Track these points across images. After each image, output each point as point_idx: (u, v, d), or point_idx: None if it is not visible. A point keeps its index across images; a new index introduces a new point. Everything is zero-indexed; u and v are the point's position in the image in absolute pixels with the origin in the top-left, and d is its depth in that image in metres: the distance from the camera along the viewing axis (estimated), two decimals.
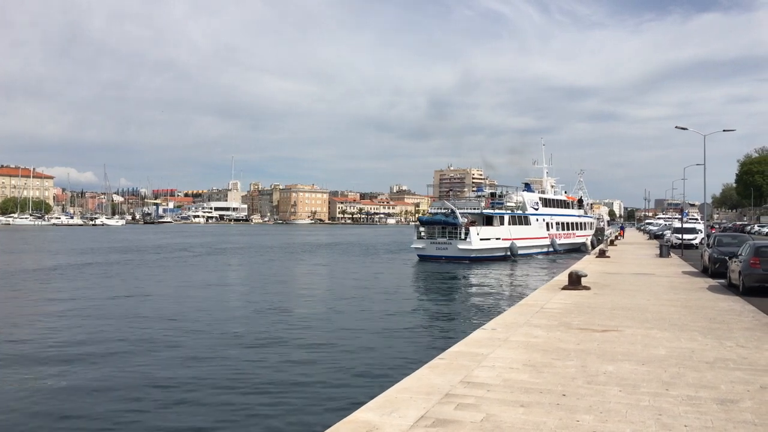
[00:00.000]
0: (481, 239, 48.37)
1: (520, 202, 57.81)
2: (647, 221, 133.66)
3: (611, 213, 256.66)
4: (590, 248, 65.01)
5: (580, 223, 70.62)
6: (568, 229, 65.71)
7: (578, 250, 64.34)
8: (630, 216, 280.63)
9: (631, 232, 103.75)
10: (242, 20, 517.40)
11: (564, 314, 13.66)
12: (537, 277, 36.00)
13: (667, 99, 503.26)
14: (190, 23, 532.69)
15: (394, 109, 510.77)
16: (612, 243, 54.17)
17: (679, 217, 69.78)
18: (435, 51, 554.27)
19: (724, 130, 44.17)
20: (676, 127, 42.04)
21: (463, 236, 47.60)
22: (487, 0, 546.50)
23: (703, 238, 40.82)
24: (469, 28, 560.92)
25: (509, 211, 54.67)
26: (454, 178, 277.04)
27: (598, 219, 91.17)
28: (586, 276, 19.45)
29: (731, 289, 19.22)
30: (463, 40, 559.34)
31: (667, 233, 56.99)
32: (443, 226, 48.81)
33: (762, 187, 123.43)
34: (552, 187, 70.73)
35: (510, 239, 51.68)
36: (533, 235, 56.95)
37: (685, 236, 44.48)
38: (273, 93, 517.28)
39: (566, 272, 21.89)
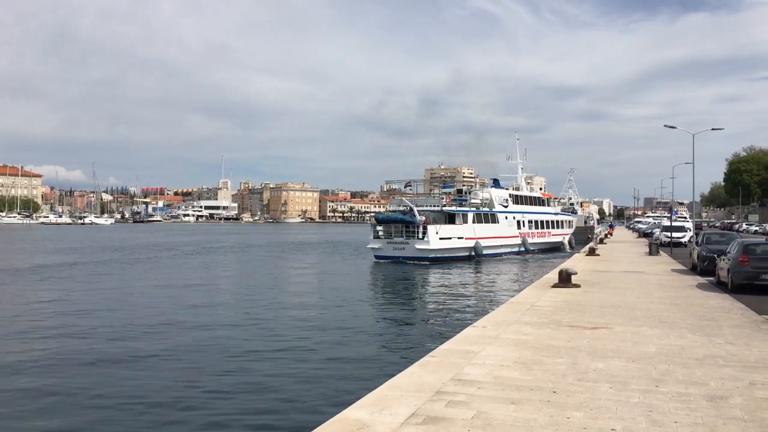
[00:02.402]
0: (440, 238, 45.44)
1: (486, 199, 54.49)
2: (636, 219, 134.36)
3: (601, 212, 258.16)
4: (569, 248, 63.28)
5: (557, 222, 66.98)
6: (542, 228, 62.02)
7: (556, 249, 62.07)
8: (619, 214, 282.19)
9: (620, 231, 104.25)
10: (233, 19, 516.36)
11: (554, 312, 13.68)
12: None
13: (656, 98, 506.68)
14: (180, 22, 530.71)
15: (385, 108, 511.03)
16: (602, 241, 54.37)
17: (668, 215, 70.05)
18: (426, 50, 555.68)
19: (712, 129, 44.40)
20: (664, 125, 42.34)
21: (420, 235, 44.65)
22: (477, 0, 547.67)
23: (691, 236, 41.09)
24: (460, 27, 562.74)
25: (474, 209, 51.67)
26: (445, 177, 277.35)
27: (587, 217, 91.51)
28: (576, 274, 19.50)
29: (720, 286, 19.32)
30: (455, 39, 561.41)
31: (656, 231, 57.29)
32: (400, 224, 45.84)
33: (750, 185, 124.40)
34: (528, 183, 67.64)
35: (474, 238, 48.63)
36: (501, 234, 53.59)
37: (674, 234, 44.71)
38: (264, 92, 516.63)
39: (556, 270, 21.96)
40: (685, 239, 46.32)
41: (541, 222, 62.17)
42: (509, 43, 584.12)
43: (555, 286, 18.57)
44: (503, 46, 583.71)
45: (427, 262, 43.39)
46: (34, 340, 16.98)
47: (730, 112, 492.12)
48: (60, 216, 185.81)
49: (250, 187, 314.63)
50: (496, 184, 60.94)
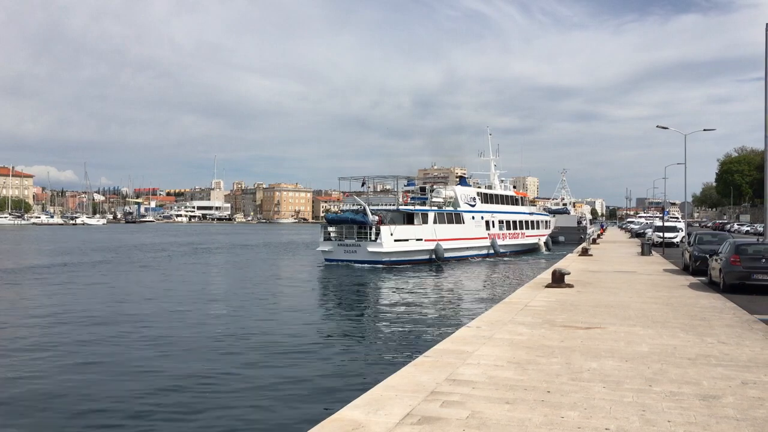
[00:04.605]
0: (395, 240, 41.54)
1: (450, 198, 50.14)
2: (629, 220, 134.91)
3: (594, 212, 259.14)
4: (545, 250, 60.61)
5: (531, 222, 62.63)
6: (514, 228, 57.89)
7: (531, 251, 59.15)
8: (612, 215, 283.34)
9: (613, 231, 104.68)
10: (225, 19, 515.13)
11: (548, 312, 13.73)
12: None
13: (647, 99, 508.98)
14: (172, 21, 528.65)
15: (378, 109, 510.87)
16: (594, 241, 54.56)
17: (661, 215, 70.33)
18: (419, 51, 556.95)
19: (704, 130, 44.81)
20: (657, 126, 42.60)
21: (373, 237, 40.98)
22: (469, 1, 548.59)
23: (684, 237, 41.29)
24: (452, 28, 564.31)
25: (435, 208, 47.35)
26: (438, 177, 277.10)
27: (580, 218, 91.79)
28: (569, 274, 19.59)
29: (712, 286, 19.45)
30: (447, 40, 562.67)
31: (649, 232, 57.52)
32: (352, 225, 42.13)
33: (741, 186, 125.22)
34: (502, 181, 63.66)
35: (435, 240, 44.51)
36: (467, 235, 49.52)
37: (667, 234, 44.94)
38: (257, 92, 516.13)
39: (549, 270, 22.04)
40: (678, 239, 46.57)
41: (514, 222, 58.09)
42: (501, 44, 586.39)
43: (548, 286, 18.65)
44: (496, 46, 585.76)
45: (383, 266, 39.98)
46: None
47: (721, 112, 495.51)
48: (51, 216, 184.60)
49: (243, 188, 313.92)
50: (462, 182, 57.42)
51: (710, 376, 8.03)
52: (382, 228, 41.14)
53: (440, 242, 44.77)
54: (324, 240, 43.83)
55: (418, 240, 43.78)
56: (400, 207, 45.13)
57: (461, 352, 9.30)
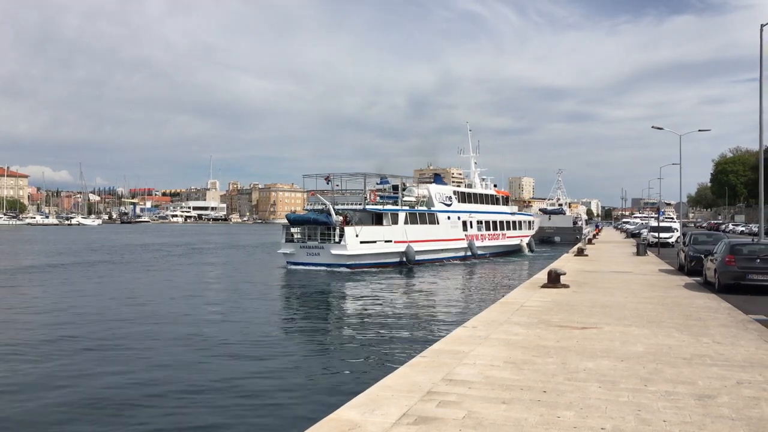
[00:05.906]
0: (361, 242, 39.07)
1: (423, 197, 47.23)
2: (624, 220, 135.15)
3: (589, 212, 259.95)
4: (527, 251, 58.75)
5: (513, 222, 59.25)
6: (494, 229, 55.00)
7: (512, 253, 56.61)
8: (607, 215, 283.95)
9: (608, 231, 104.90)
10: (220, 19, 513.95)
11: (544, 312, 13.75)
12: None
13: (642, 100, 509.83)
14: (166, 21, 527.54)
15: (373, 109, 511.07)
16: (590, 242, 54.65)
17: (656, 216, 70.44)
18: (414, 51, 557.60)
19: (699, 130, 45.05)
20: (652, 127, 42.80)
21: (337, 238, 38.63)
22: (464, 1, 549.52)
23: (679, 237, 41.44)
24: (447, 29, 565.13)
25: (407, 207, 44.31)
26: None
27: (576, 218, 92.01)
28: (564, 274, 19.63)
29: (707, 286, 19.50)
30: (442, 40, 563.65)
31: (644, 232, 57.63)
32: (316, 226, 39.59)
33: (736, 186, 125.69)
34: (482, 180, 60.55)
35: (405, 241, 41.82)
36: (441, 236, 46.70)
37: (662, 235, 45.05)
38: (251, 92, 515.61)
39: (545, 271, 22.09)
40: (673, 240, 46.69)
41: (494, 223, 55.11)
42: (496, 45, 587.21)
43: (544, 286, 18.67)
44: (490, 47, 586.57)
45: (348, 270, 37.73)
46: None
47: (716, 113, 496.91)
48: (47, 217, 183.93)
49: (238, 188, 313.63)
50: (437, 180, 54.51)
51: (705, 376, 8.05)
52: (347, 229, 38.87)
53: (411, 244, 42.09)
54: (286, 241, 40.99)
55: (386, 242, 41.26)
56: (368, 206, 41.89)
57: (457, 352, 9.30)
